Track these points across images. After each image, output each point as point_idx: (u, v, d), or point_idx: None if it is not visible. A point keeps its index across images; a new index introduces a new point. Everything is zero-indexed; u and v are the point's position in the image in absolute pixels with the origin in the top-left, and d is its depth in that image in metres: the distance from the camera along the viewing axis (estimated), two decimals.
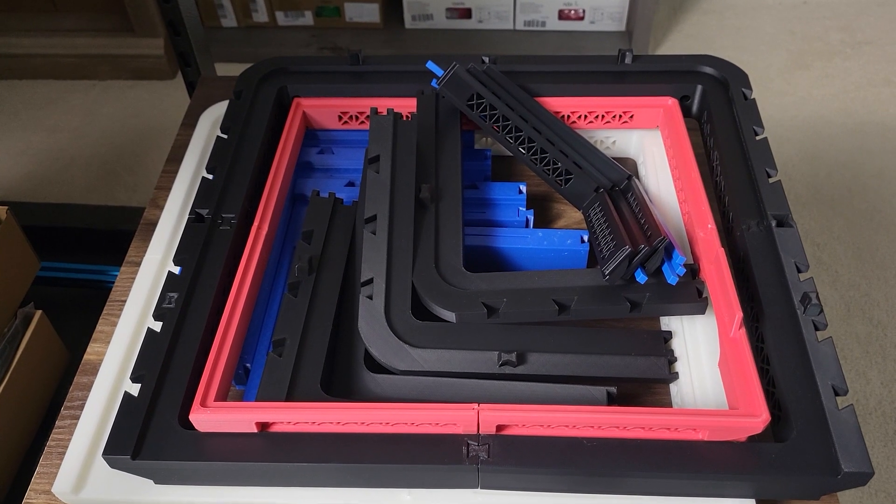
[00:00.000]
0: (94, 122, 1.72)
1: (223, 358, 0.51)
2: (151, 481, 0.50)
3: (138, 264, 0.65)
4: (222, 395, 0.51)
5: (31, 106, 1.78)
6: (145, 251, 0.65)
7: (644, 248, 0.55)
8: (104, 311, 0.65)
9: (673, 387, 0.57)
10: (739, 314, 0.51)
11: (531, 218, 0.67)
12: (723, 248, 0.56)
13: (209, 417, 0.48)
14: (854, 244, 1.41)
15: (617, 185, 0.66)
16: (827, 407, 0.48)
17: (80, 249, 1.07)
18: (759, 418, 0.47)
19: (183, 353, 0.52)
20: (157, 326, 0.54)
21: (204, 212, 0.61)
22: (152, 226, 0.68)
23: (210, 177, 0.64)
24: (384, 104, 0.70)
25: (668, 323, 0.60)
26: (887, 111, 1.66)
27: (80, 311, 0.67)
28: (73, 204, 1.23)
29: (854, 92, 1.71)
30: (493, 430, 0.49)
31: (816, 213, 1.46)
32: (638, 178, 0.72)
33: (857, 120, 1.63)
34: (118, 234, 0.70)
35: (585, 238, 0.64)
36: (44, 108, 1.77)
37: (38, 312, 0.82)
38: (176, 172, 0.72)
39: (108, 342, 0.59)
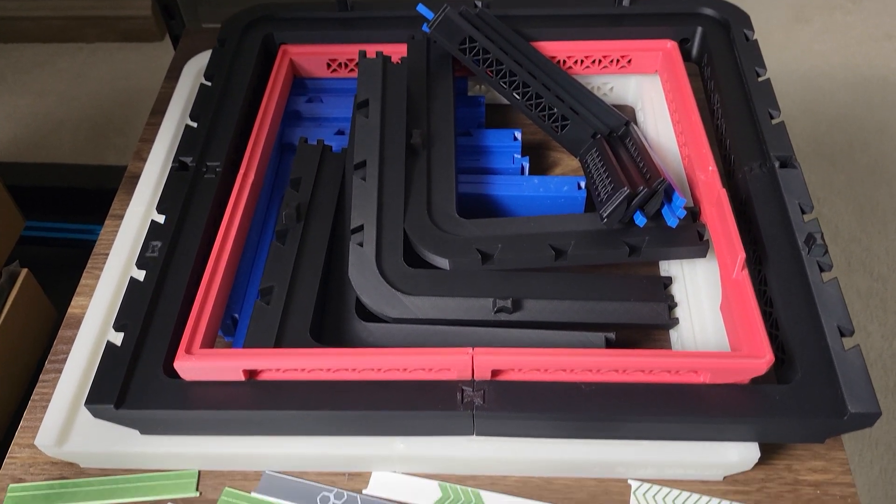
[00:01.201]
0: (82, 85, 1.69)
1: (209, 305, 0.50)
2: (137, 432, 0.49)
3: (122, 217, 0.63)
4: (208, 344, 0.49)
5: (17, 69, 1.74)
6: (129, 204, 0.63)
7: (643, 189, 0.53)
8: (88, 265, 0.63)
9: (673, 333, 0.55)
10: (742, 254, 0.50)
11: (526, 165, 0.66)
12: (724, 189, 0.54)
13: (194, 365, 0.47)
14: (855, 199, 1.39)
15: (615, 131, 0.64)
16: (833, 348, 0.47)
17: (67, 209, 1.05)
18: (762, 359, 0.46)
19: (167, 302, 0.51)
20: (141, 276, 0.52)
21: (188, 160, 0.59)
22: (136, 178, 0.66)
23: (194, 125, 0.62)
24: (374, 50, 0.67)
25: (668, 269, 0.58)
26: (888, 65, 1.63)
27: (67, 271, 0.65)
28: (60, 164, 1.21)
29: (855, 46, 1.68)
30: (488, 376, 0.47)
31: (817, 167, 1.44)
32: (636, 124, 0.70)
33: (858, 74, 1.61)
34: (105, 194, 0.68)
35: (582, 184, 0.62)
36: (31, 72, 1.73)
37: (24, 271, 0.80)
38: (159, 125, 0.70)
39: (92, 295, 0.57)
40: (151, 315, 0.50)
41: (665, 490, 0.50)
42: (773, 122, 0.60)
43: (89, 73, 1.72)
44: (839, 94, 1.56)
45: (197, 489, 0.51)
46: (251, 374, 0.48)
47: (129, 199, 0.63)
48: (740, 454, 0.48)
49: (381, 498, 0.50)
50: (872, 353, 1.17)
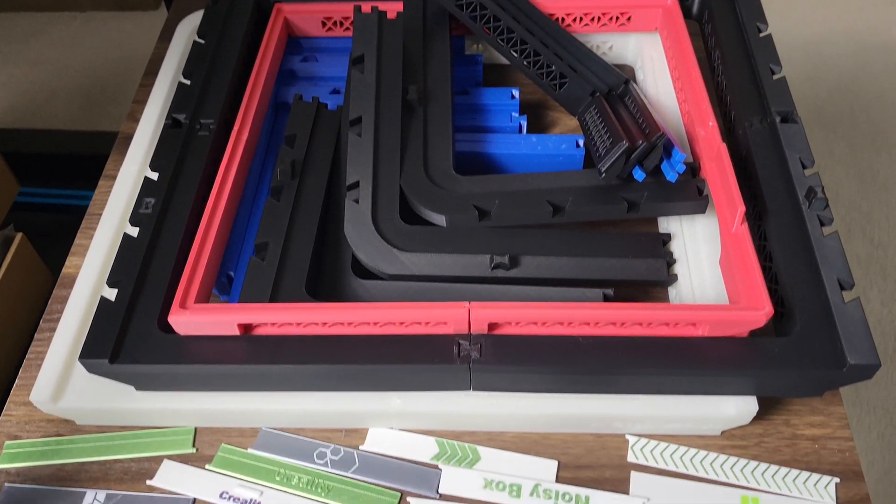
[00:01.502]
0: (76, 55, 1.67)
1: (203, 260, 0.49)
2: (132, 388, 0.49)
3: (115, 178, 0.62)
4: (203, 299, 0.49)
5: (11, 39, 1.72)
6: (122, 164, 0.62)
7: (642, 143, 0.53)
8: (82, 226, 0.63)
9: (671, 290, 0.55)
10: (742, 208, 0.49)
11: (524, 123, 0.65)
12: (724, 143, 0.53)
13: (188, 319, 0.46)
14: (855, 166, 1.38)
15: (614, 89, 0.63)
16: (832, 300, 0.46)
17: (61, 175, 1.04)
18: (761, 311, 0.45)
19: (161, 258, 0.50)
20: (135, 232, 0.52)
21: (181, 117, 0.58)
22: (129, 139, 0.65)
23: (187, 82, 0.61)
24: (369, 6, 0.66)
25: (668, 226, 0.57)
26: (890, 32, 1.61)
27: (63, 237, 0.65)
28: (54, 129, 1.19)
29: (857, 13, 1.66)
30: (485, 330, 0.47)
31: (818, 135, 1.43)
32: (635, 83, 0.69)
33: (860, 41, 1.59)
34: (100, 159, 0.67)
35: (581, 142, 0.62)
36: (25, 41, 1.71)
37: (19, 235, 0.79)
38: (152, 86, 0.69)
39: (86, 255, 0.56)
40: (145, 271, 0.50)
41: (662, 445, 0.50)
42: (775, 77, 0.59)
43: (84, 41, 1.70)
44: (841, 61, 1.54)
45: (193, 445, 0.51)
46: (246, 328, 0.47)
47: (123, 160, 0.63)
48: (738, 408, 0.47)
49: (378, 454, 0.50)
50: (872, 319, 1.17)
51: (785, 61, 0.61)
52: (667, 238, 0.56)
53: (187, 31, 0.73)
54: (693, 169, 0.56)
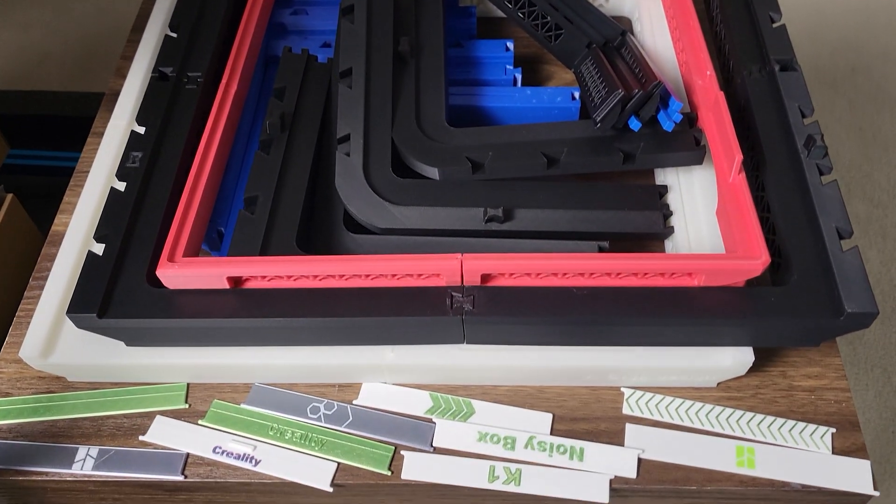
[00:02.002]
0: (66, 17, 1.64)
1: (192, 213, 0.48)
2: (123, 344, 0.48)
3: (103, 134, 0.61)
4: (192, 253, 0.48)
5: (1, 2, 1.69)
6: (109, 120, 0.61)
7: (638, 92, 0.51)
8: (70, 184, 0.62)
9: (668, 243, 0.54)
10: (739, 156, 0.48)
11: (519, 76, 0.64)
12: (721, 92, 0.52)
13: (177, 273, 0.46)
14: (856, 125, 1.36)
15: (610, 41, 0.62)
16: (830, 249, 0.46)
17: (51, 137, 1.03)
18: (757, 260, 0.45)
19: (149, 213, 0.49)
20: (122, 187, 0.51)
21: (168, 70, 0.57)
22: (117, 96, 0.64)
23: (174, 35, 0.60)
24: None
25: (664, 178, 0.56)
26: None
27: (53, 199, 0.64)
28: (44, 91, 1.18)
29: None
30: (478, 281, 0.46)
31: (818, 94, 1.41)
32: (632, 34, 0.67)
33: None
34: (90, 122, 0.66)
35: (577, 95, 0.60)
36: (14, 4, 1.68)
37: (10, 196, 0.78)
38: (139, 41, 0.68)
39: (73, 212, 0.56)
40: (133, 225, 0.49)
41: (658, 397, 0.49)
42: (774, 25, 0.58)
43: (74, 4, 1.67)
44: (842, 18, 1.52)
45: (186, 401, 0.50)
46: (236, 282, 0.47)
47: (110, 117, 0.61)
48: (734, 359, 0.47)
49: (371, 408, 0.50)
50: (871, 279, 1.16)
51: (786, 18, 0.59)
52: (663, 190, 0.55)
53: None
54: (690, 119, 0.55)
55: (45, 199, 0.88)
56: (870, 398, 1.08)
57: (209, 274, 0.46)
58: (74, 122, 1.01)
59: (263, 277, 0.46)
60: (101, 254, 0.47)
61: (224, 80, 0.56)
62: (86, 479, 0.47)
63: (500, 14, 0.71)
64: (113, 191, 0.50)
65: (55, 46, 1.58)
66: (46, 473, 0.48)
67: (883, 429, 1.05)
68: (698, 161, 0.53)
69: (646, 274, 0.46)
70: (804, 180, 0.49)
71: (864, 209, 1.25)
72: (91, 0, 1.68)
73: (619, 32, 0.61)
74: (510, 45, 0.65)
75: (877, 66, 1.45)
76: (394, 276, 0.46)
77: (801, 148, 0.50)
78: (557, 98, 0.61)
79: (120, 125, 0.60)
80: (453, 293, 0.46)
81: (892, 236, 1.22)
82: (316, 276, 0.46)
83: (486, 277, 0.46)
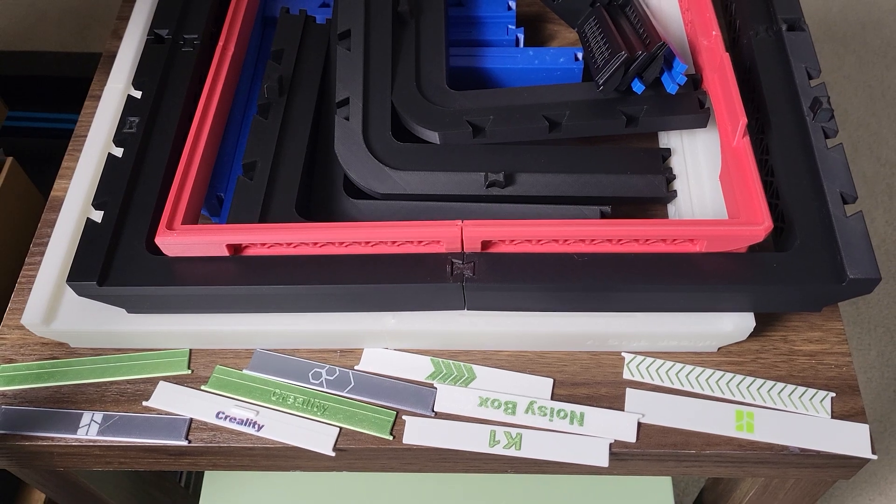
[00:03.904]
0: None
1: (190, 180, 0.48)
2: (124, 311, 0.48)
3: (100, 97, 0.60)
4: (191, 220, 0.48)
5: None
6: (106, 83, 0.61)
7: (642, 54, 0.50)
8: (68, 148, 0.62)
9: (671, 207, 0.54)
10: (743, 119, 0.48)
11: (521, 36, 0.62)
12: (727, 53, 0.51)
13: (176, 240, 0.45)
14: (865, 82, 1.34)
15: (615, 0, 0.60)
16: (834, 214, 0.45)
17: (50, 99, 1.02)
18: (760, 226, 0.44)
19: (147, 179, 0.49)
20: (119, 153, 0.50)
21: (163, 32, 0.56)
22: (114, 58, 0.63)
23: None
24: None
25: (668, 141, 0.56)
26: None
27: (54, 161, 0.63)
28: (42, 51, 1.16)
29: None
30: (478, 248, 0.46)
31: (828, 51, 1.39)
32: None
33: None
34: (89, 83, 0.66)
35: (580, 55, 0.59)
36: None
37: (9, 159, 0.78)
38: (136, 1, 0.67)
39: (72, 177, 0.55)
40: (131, 192, 0.49)
41: (658, 362, 0.50)
42: None
43: None
44: None
45: (189, 367, 0.50)
46: (235, 249, 0.47)
47: (107, 79, 0.61)
48: (735, 324, 0.47)
49: (373, 373, 0.50)
50: (876, 239, 1.15)
51: None
52: (666, 153, 0.54)
53: None
54: (695, 81, 0.54)
55: (45, 161, 0.88)
56: (872, 357, 1.08)
57: (208, 241, 0.46)
58: (73, 83, 1.00)
59: (263, 245, 0.46)
60: (99, 221, 0.47)
61: (221, 43, 0.55)
62: (91, 443, 0.48)
63: None
64: (110, 157, 0.50)
65: (54, 4, 1.55)
66: (52, 438, 0.48)
67: (884, 387, 1.05)
68: (702, 124, 0.53)
69: (647, 240, 0.45)
70: (809, 143, 0.49)
71: (871, 167, 1.24)
72: None
73: None
74: (512, 3, 0.64)
75: (888, 22, 1.42)
76: (394, 242, 0.46)
77: (807, 111, 0.49)
78: (560, 59, 0.60)
79: (117, 88, 0.59)
80: (454, 260, 0.46)
81: None
82: (316, 244, 0.46)
83: (486, 244, 0.46)
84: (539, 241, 0.46)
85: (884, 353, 1.08)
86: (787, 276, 0.44)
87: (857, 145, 1.26)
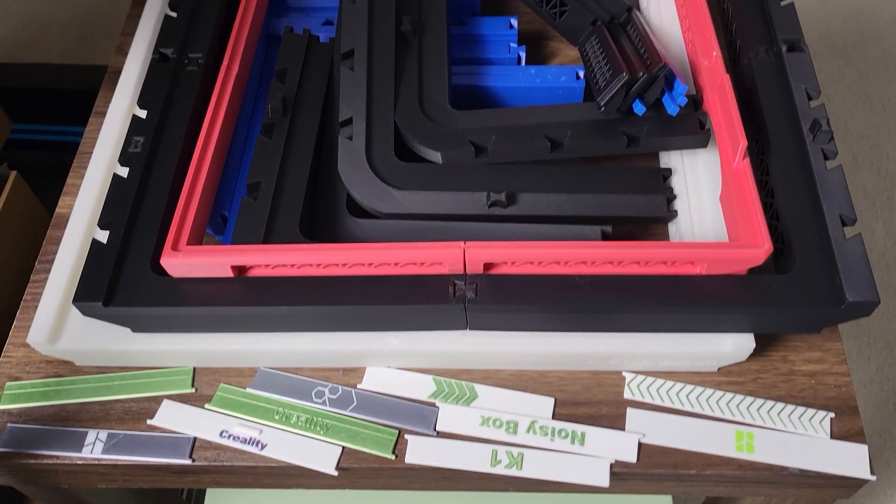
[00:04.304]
0: None
1: (194, 200, 0.48)
2: (129, 330, 0.49)
3: (105, 114, 0.61)
4: (196, 240, 0.48)
5: None
6: (112, 100, 0.61)
7: (643, 75, 0.51)
8: (73, 165, 0.62)
9: (671, 226, 0.54)
10: (744, 142, 0.48)
11: (523, 54, 0.63)
12: (728, 75, 0.52)
13: (181, 262, 0.46)
14: (865, 94, 1.35)
15: (616, 17, 0.61)
16: (833, 236, 0.46)
17: (54, 111, 1.03)
18: (760, 248, 0.44)
19: (152, 199, 0.50)
20: (124, 172, 0.51)
21: (168, 51, 0.56)
22: (119, 74, 0.63)
23: (174, 14, 0.59)
24: None
25: (669, 160, 0.56)
26: None
27: (58, 175, 0.64)
28: (46, 64, 1.17)
29: None
30: (480, 269, 0.46)
31: (828, 63, 1.39)
32: (640, 11, 0.66)
33: None
34: (94, 95, 0.66)
35: (581, 74, 0.60)
36: None
37: (13, 173, 0.78)
38: (140, 17, 0.67)
39: (78, 195, 0.56)
40: (136, 212, 0.49)
41: (659, 381, 0.50)
42: (782, 3, 0.57)
43: None
44: None
45: (193, 385, 0.51)
46: (240, 270, 0.47)
47: (112, 96, 0.61)
48: (735, 345, 0.47)
49: (375, 392, 0.50)
50: (876, 252, 1.16)
51: None
52: (667, 173, 0.54)
53: None
54: (695, 101, 0.54)
55: (50, 175, 0.88)
56: (872, 370, 1.08)
57: (213, 263, 0.46)
58: (77, 95, 1.01)
59: (267, 266, 0.47)
60: (105, 241, 0.48)
61: (225, 62, 0.56)
62: (96, 462, 0.48)
63: None
64: (116, 177, 0.50)
65: (57, 13, 1.56)
66: (57, 457, 0.48)
67: (884, 401, 1.06)
68: (703, 144, 0.53)
69: (648, 262, 0.46)
70: (809, 165, 0.49)
71: (872, 180, 1.24)
72: None
73: (624, 8, 0.60)
74: (514, 22, 0.64)
75: (888, 34, 1.43)
76: (397, 264, 0.46)
77: (807, 132, 0.50)
78: (562, 77, 0.60)
79: (122, 105, 0.60)
80: (456, 281, 0.46)
81: None
82: (319, 265, 0.46)
83: (488, 265, 0.46)
84: (540, 262, 0.46)
85: (884, 367, 1.08)
86: (786, 299, 0.44)
87: (858, 158, 1.26)
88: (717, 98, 0.52)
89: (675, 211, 0.53)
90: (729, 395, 0.49)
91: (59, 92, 1.06)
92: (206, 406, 0.50)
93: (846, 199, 0.47)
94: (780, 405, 0.49)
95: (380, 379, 0.51)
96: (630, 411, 0.49)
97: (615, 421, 0.49)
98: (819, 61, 1.40)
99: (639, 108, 0.52)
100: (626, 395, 0.50)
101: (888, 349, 1.09)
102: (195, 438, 0.49)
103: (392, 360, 0.50)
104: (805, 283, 0.45)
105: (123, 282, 0.46)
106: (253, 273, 0.47)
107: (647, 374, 0.50)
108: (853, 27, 1.44)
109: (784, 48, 0.54)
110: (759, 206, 0.46)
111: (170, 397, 0.50)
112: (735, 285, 0.45)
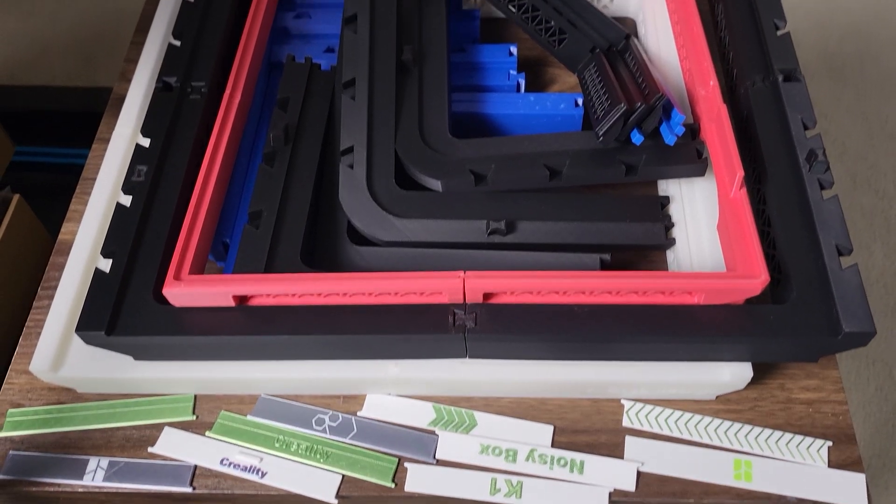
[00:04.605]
0: (69, 5, 1.63)
1: (197, 230, 0.49)
2: (131, 358, 0.49)
3: (108, 141, 0.61)
4: (198, 269, 0.49)
5: None
6: (115, 127, 0.62)
7: (641, 105, 0.52)
8: (77, 191, 0.63)
9: (669, 254, 0.55)
10: (740, 173, 0.49)
11: (522, 82, 0.64)
12: (724, 105, 0.52)
13: (183, 291, 0.46)
14: (863, 114, 1.36)
15: (614, 45, 0.62)
16: (829, 267, 0.46)
17: (57, 133, 1.04)
18: (757, 279, 0.45)
19: (155, 228, 0.50)
20: (127, 201, 0.51)
21: (172, 80, 0.57)
22: (122, 100, 0.64)
23: (177, 43, 0.60)
24: None
25: (666, 188, 0.57)
26: None
27: (61, 197, 0.64)
28: (48, 86, 1.18)
29: None
30: (480, 299, 0.47)
31: (826, 83, 1.40)
32: (637, 38, 0.67)
33: None
34: (96, 117, 0.67)
35: (580, 101, 0.60)
36: None
37: (16, 196, 0.79)
38: (144, 44, 0.68)
39: (81, 221, 0.56)
40: (139, 241, 0.49)
41: (658, 409, 0.50)
42: (779, 33, 0.58)
43: None
44: (851, 6, 1.50)
45: (193, 413, 0.51)
46: (241, 299, 0.47)
47: (115, 122, 0.62)
48: (733, 374, 0.48)
49: (376, 420, 0.51)
50: (874, 272, 1.16)
51: (793, 6, 0.59)
52: (665, 201, 0.55)
53: None
54: (693, 130, 0.55)
55: (53, 197, 0.89)
56: (871, 392, 1.08)
57: (215, 292, 0.46)
58: (79, 117, 1.02)
59: (268, 295, 0.47)
60: (108, 270, 0.48)
61: (228, 91, 0.57)
62: (97, 490, 0.49)
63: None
64: (119, 206, 0.51)
65: (59, 35, 1.57)
66: (59, 484, 0.49)
67: (883, 422, 1.06)
68: (700, 173, 0.54)
69: (646, 292, 0.46)
70: (805, 194, 0.49)
71: (870, 201, 1.25)
72: None
73: (622, 36, 0.61)
74: (514, 49, 0.65)
75: (885, 54, 1.44)
76: (397, 293, 0.47)
77: (803, 162, 0.50)
78: (561, 105, 0.61)
79: (125, 133, 0.60)
80: (455, 310, 0.47)
81: None
82: (320, 294, 0.47)
83: (487, 295, 0.47)
84: (539, 292, 0.47)
85: (882, 388, 1.08)
86: (783, 329, 0.45)
87: (856, 178, 1.27)
88: (715, 127, 0.53)
89: (674, 239, 0.54)
90: (727, 424, 0.49)
91: (62, 114, 1.07)
92: (207, 433, 0.50)
93: (842, 229, 0.47)
94: (777, 433, 0.49)
95: (380, 406, 0.51)
96: (629, 439, 0.49)
97: (614, 449, 0.49)
98: (817, 81, 1.41)
99: (637, 138, 0.53)
100: (625, 422, 0.50)
101: (886, 370, 1.09)
102: (196, 466, 0.49)
103: (392, 388, 0.51)
104: (802, 314, 0.45)
105: (126, 311, 0.47)
106: (254, 302, 0.48)
107: (645, 401, 0.50)
108: (851, 48, 1.45)
109: (780, 78, 0.55)
110: (756, 237, 0.47)
111: (171, 425, 0.51)
112: (732, 315, 0.46)
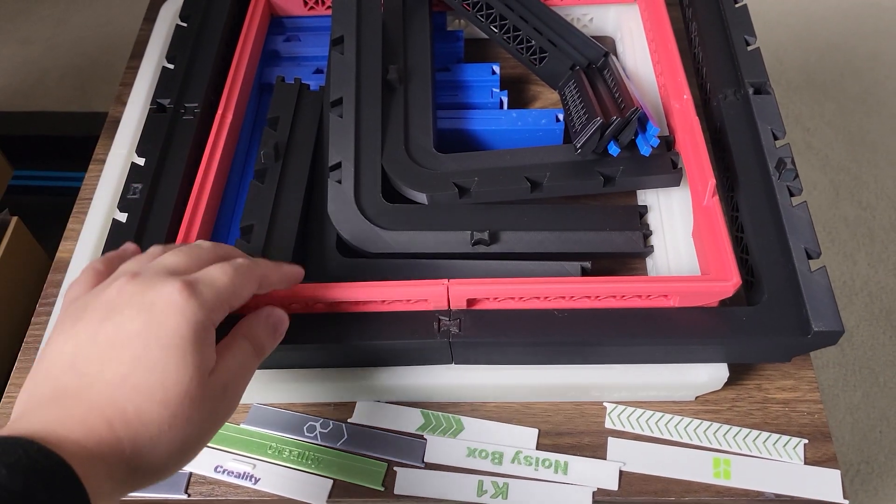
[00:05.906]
0: (65, 32, 1.67)
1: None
2: None
3: (105, 161, 0.63)
4: None
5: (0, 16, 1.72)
6: (111, 148, 0.64)
7: (616, 119, 0.54)
8: (74, 210, 0.64)
9: (649, 261, 0.57)
10: (712, 181, 0.51)
11: (505, 99, 0.66)
12: (697, 118, 0.54)
13: None
14: (845, 128, 1.38)
15: (593, 62, 0.64)
16: (799, 269, 0.48)
17: (54, 157, 1.06)
18: (729, 282, 0.47)
19: (150, 243, 0.52)
20: (123, 218, 0.53)
21: (165, 102, 0.59)
22: (118, 123, 0.66)
23: (171, 66, 0.62)
24: None
25: (644, 198, 0.59)
26: None
27: (58, 219, 0.66)
28: (46, 111, 1.20)
29: None
30: (464, 305, 0.49)
31: (808, 97, 1.43)
32: (616, 55, 0.69)
33: (851, 1, 1.58)
34: (92, 140, 0.69)
35: (560, 117, 0.63)
36: (13, 20, 1.71)
37: (14, 219, 0.81)
38: (138, 68, 0.70)
39: (78, 239, 0.58)
40: None
41: (639, 411, 0.52)
42: (749, 48, 0.60)
43: (71, 19, 1.70)
44: (831, 22, 1.54)
45: None
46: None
47: (111, 144, 0.64)
48: (710, 375, 0.49)
49: (365, 426, 0.52)
50: (859, 281, 1.18)
51: (775, 24, 0.62)
52: (643, 210, 0.57)
53: (171, 11, 0.74)
54: (668, 142, 0.57)
55: (51, 220, 0.91)
56: (857, 398, 1.10)
57: None
58: (78, 141, 1.04)
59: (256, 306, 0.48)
60: None
61: (220, 111, 0.59)
62: None
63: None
64: (115, 222, 0.52)
65: (55, 61, 1.60)
66: None
67: (871, 428, 1.07)
68: (676, 183, 0.56)
69: (624, 296, 0.48)
70: (775, 201, 0.51)
71: (853, 211, 1.27)
72: (89, 13, 1.71)
73: (601, 54, 0.63)
74: (496, 68, 0.67)
75: (866, 69, 1.47)
76: (384, 301, 0.48)
77: (773, 170, 0.52)
78: (542, 120, 0.63)
79: (121, 153, 0.62)
80: (441, 317, 0.48)
81: (879, 238, 1.24)
82: (308, 303, 0.49)
83: (471, 301, 0.49)
84: (521, 298, 0.48)
85: (869, 395, 1.10)
86: (756, 330, 0.46)
87: (839, 190, 1.30)
88: (689, 139, 0.55)
89: (652, 246, 0.55)
90: (706, 424, 0.51)
91: (59, 139, 1.09)
92: None
93: (811, 233, 0.49)
94: (755, 432, 0.51)
95: (369, 412, 0.53)
96: (611, 440, 0.51)
97: (597, 450, 0.51)
98: (799, 96, 1.44)
99: (613, 150, 0.55)
100: (608, 424, 0.51)
101: (873, 376, 1.11)
102: (191, 473, 0.50)
103: (381, 395, 0.52)
104: (773, 315, 0.47)
105: None
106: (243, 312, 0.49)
107: (627, 404, 0.52)
108: (831, 63, 1.48)
109: (751, 91, 0.57)
110: (728, 242, 0.48)
111: None
112: (707, 316, 0.48)
